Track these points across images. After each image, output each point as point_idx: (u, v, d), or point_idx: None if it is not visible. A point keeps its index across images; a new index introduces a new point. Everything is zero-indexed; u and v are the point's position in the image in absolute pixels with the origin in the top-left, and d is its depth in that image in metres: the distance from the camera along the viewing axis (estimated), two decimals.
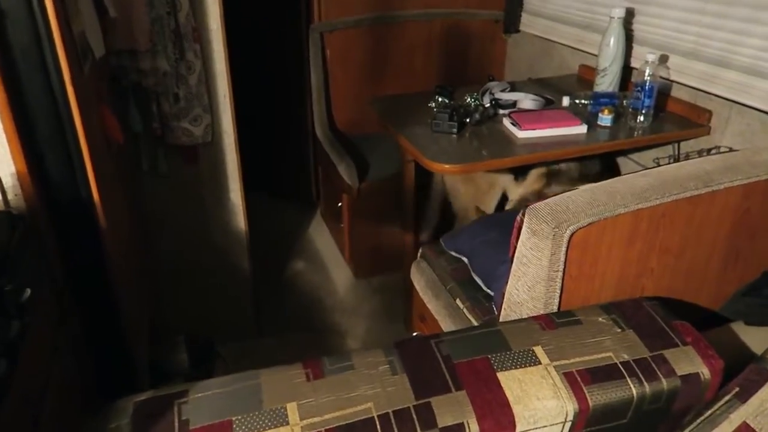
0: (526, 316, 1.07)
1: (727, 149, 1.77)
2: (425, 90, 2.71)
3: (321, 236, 2.89)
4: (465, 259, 1.59)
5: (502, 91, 2.01)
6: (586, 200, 1.03)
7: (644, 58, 1.78)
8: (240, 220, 2.03)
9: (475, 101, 2.01)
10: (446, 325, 1.52)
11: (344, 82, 2.67)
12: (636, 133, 1.81)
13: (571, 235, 1.01)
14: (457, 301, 1.52)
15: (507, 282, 1.17)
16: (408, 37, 2.70)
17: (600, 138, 1.78)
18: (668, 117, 1.90)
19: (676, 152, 1.92)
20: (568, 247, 1.02)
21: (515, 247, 1.14)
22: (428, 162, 1.62)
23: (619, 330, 0.96)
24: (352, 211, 2.45)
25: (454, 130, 1.79)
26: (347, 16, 2.58)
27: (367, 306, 2.42)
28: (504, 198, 2.06)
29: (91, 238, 1.22)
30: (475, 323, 1.43)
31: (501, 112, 1.92)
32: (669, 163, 1.85)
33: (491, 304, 1.45)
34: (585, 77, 2.31)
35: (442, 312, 1.53)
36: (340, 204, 2.47)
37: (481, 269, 1.50)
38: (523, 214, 1.09)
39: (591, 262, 1.08)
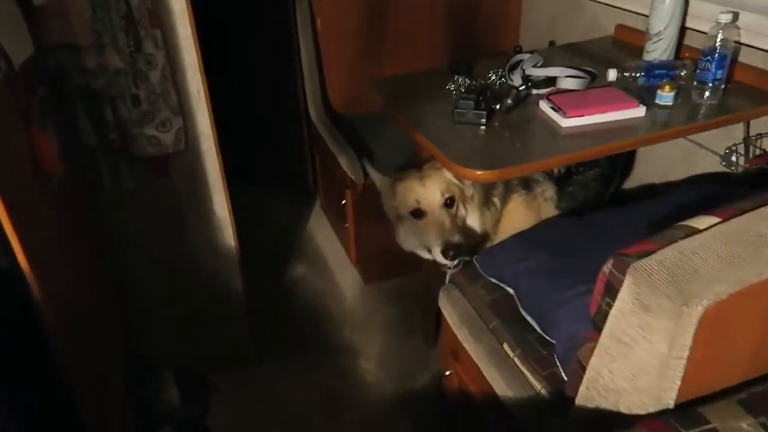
0: (626, 410, 0.78)
1: None
2: (433, 64, 2.38)
3: (322, 232, 2.57)
4: (510, 290, 1.28)
5: (535, 65, 1.66)
6: (722, 258, 0.72)
7: (712, 18, 1.43)
8: (228, 235, 1.71)
9: (500, 79, 1.67)
10: (491, 374, 1.23)
11: (339, 55, 2.31)
12: (702, 112, 1.48)
13: (704, 312, 0.70)
14: (505, 346, 1.22)
15: (589, 354, 0.87)
16: (409, 2, 2.32)
17: (662, 122, 1.45)
18: (736, 89, 1.56)
19: (747, 133, 1.58)
20: (697, 328, 0.71)
21: (600, 308, 0.84)
22: (457, 168, 1.29)
23: None
24: (357, 209, 2.13)
25: (483, 120, 1.45)
26: None
27: (380, 317, 2.13)
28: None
29: (20, 310, 0.91)
30: (532, 378, 1.14)
31: (535, 92, 1.58)
32: (749, 153, 1.53)
33: (550, 353, 1.15)
34: (624, 40, 1.95)
35: (485, 359, 1.23)
36: (344, 201, 2.14)
37: (534, 307, 1.20)
38: (616, 267, 0.78)
39: (722, 341, 0.78)
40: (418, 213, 1.61)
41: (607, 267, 0.82)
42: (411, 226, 1.65)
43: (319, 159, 2.52)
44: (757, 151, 1.54)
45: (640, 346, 0.74)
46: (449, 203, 1.60)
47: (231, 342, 1.91)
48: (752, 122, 1.58)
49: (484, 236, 1.65)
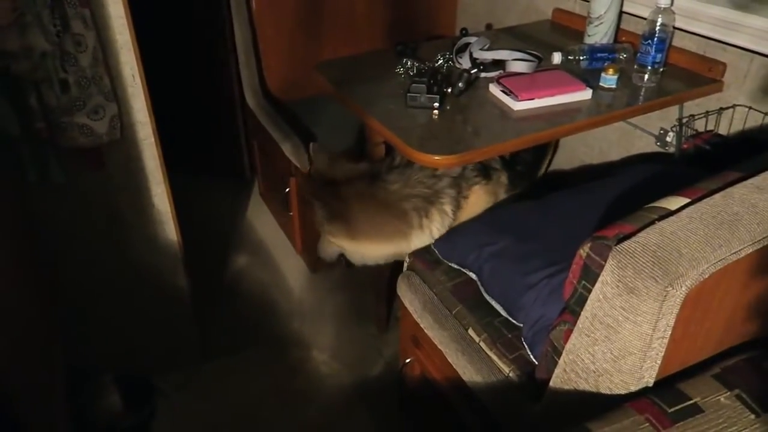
0: (606, 391, 0.79)
1: (746, 108, 1.53)
2: (372, 45, 2.35)
3: (263, 221, 2.49)
4: (473, 275, 1.28)
5: (482, 48, 1.65)
6: (702, 238, 0.73)
7: (648, 2, 1.48)
8: (169, 229, 1.61)
9: (448, 63, 1.65)
10: (457, 360, 1.22)
11: (276, 38, 2.22)
12: (643, 94, 1.53)
13: (687, 292, 0.72)
14: (470, 332, 1.21)
15: (564, 337, 0.87)
16: None
17: (607, 104, 1.49)
18: (672, 72, 1.62)
19: (681, 114, 1.66)
20: (680, 307, 0.73)
21: (576, 291, 0.84)
22: (416, 154, 1.27)
23: (753, 415, 0.69)
24: (302, 196, 2.06)
25: (436, 104, 1.43)
26: None
27: (330, 306, 2.09)
28: None
29: None
30: (500, 362, 1.14)
31: (484, 75, 1.58)
32: (684, 132, 1.60)
33: (516, 336, 1.15)
34: (562, 24, 1.99)
35: (451, 345, 1.23)
36: (287, 189, 2.07)
37: (499, 291, 1.20)
38: (594, 251, 0.78)
39: (700, 318, 0.80)
40: None
41: (584, 250, 0.82)
42: None
43: (257, 146, 2.43)
44: (690, 132, 1.61)
45: (625, 327, 0.75)
46: None
47: (176, 341, 1.81)
48: (685, 104, 1.65)
49: None
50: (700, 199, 0.81)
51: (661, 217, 0.78)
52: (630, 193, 1.27)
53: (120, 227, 1.54)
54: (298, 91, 2.23)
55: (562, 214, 1.31)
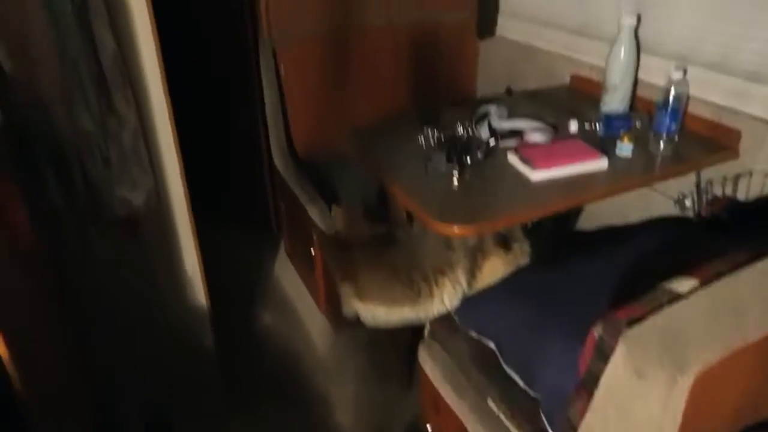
0: None
1: (764, 174, 1.55)
2: (396, 106, 2.44)
3: (288, 278, 2.54)
4: (491, 344, 1.30)
5: (500, 118, 1.71)
6: (708, 323, 0.76)
7: (662, 71, 1.53)
8: (198, 292, 1.68)
9: (468, 131, 1.71)
10: (477, 430, 1.23)
11: (303, 101, 2.32)
12: (659, 162, 1.57)
13: (695, 377, 0.74)
14: (490, 402, 1.23)
15: (580, 413, 0.89)
16: (372, 47, 2.37)
17: (623, 173, 1.52)
18: (688, 139, 1.65)
19: (699, 179, 1.68)
20: (689, 392, 0.75)
21: (590, 369, 0.86)
22: (436, 224, 1.31)
23: None
24: (325, 258, 2.12)
25: (455, 173, 1.48)
26: (301, 27, 2.22)
27: (353, 364, 2.12)
28: None
29: None
30: None
31: (503, 145, 1.63)
32: (701, 200, 1.62)
33: (535, 407, 1.16)
34: (580, 88, 2.05)
35: (470, 416, 1.24)
36: (312, 249, 2.13)
37: (517, 361, 1.22)
38: (607, 332, 0.81)
39: (710, 402, 0.81)
40: None
41: (597, 331, 0.85)
42: None
43: (284, 205, 2.51)
44: (708, 197, 1.63)
45: (636, 410, 0.77)
46: None
47: (200, 396, 1.85)
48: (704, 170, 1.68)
49: None
50: (710, 281, 0.83)
51: (671, 300, 0.81)
52: (649, 260, 1.29)
53: (151, 288, 1.61)
54: (323, 149, 2.31)
55: (584, 280, 1.33)
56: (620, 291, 0.87)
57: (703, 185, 1.64)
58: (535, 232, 1.70)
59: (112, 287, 1.54)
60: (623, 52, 1.67)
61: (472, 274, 1.54)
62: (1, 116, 1.06)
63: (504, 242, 1.60)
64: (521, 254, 1.62)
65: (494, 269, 1.55)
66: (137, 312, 1.60)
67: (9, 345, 0.84)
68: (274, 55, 2.22)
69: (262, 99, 2.29)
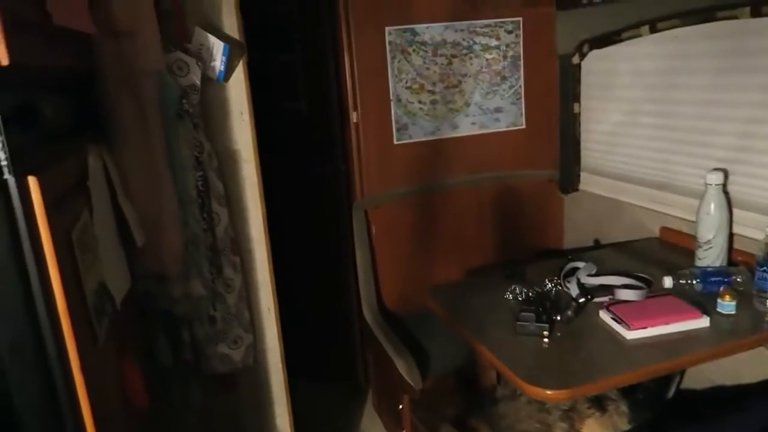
0: None
1: None
2: (481, 261, 2.49)
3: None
4: None
5: (590, 275, 1.70)
6: None
7: (759, 225, 1.49)
8: None
9: (556, 287, 1.71)
10: None
11: (392, 258, 2.43)
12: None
13: None
14: None
15: None
16: (457, 205, 2.50)
17: (728, 331, 1.44)
18: None
19: None
20: None
21: None
22: (526, 386, 1.28)
23: None
24: (415, 414, 2.07)
25: (546, 332, 1.46)
26: (390, 190, 2.40)
27: None
28: None
29: None
30: None
31: (594, 300, 1.61)
32: None
33: None
34: (670, 241, 2.02)
35: None
36: (401, 406, 2.10)
37: None
38: None
39: None
40: None
41: None
42: None
43: (372, 358, 2.52)
44: None
45: None
46: None
47: None
48: None
49: None
50: None
51: None
52: None
53: None
54: (412, 304, 2.35)
55: None
56: None
57: None
58: (631, 390, 1.60)
59: None
60: (713, 207, 1.66)
61: None
62: (130, 281, 1.21)
63: (598, 403, 1.52)
64: (617, 415, 1.52)
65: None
66: None
67: None
68: (366, 216, 2.38)
69: (354, 256, 2.41)
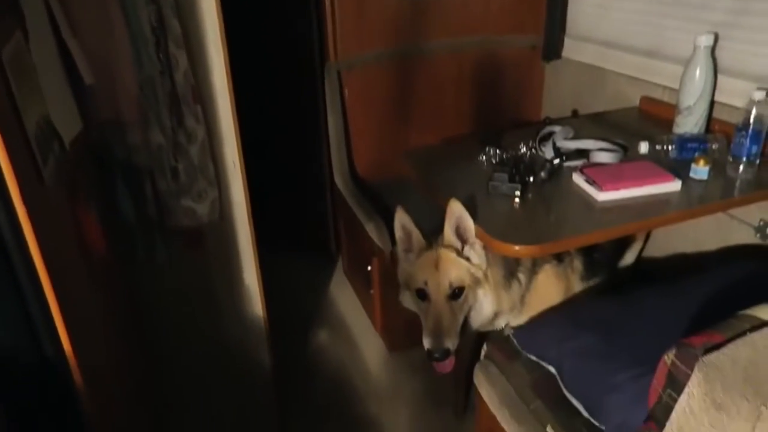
0: None
1: None
2: (458, 130, 2.43)
3: (344, 298, 2.54)
4: (552, 370, 1.24)
5: (566, 138, 1.67)
6: None
7: (740, 92, 1.45)
8: (256, 305, 1.69)
9: (531, 151, 1.68)
10: None
11: (366, 124, 2.35)
12: (738, 186, 1.47)
13: None
14: (549, 430, 1.17)
15: None
16: (435, 71, 2.38)
17: (698, 196, 1.44)
18: None
19: None
20: None
21: (661, 399, 0.80)
22: (496, 243, 1.28)
23: None
24: (383, 276, 2.11)
25: (517, 193, 1.44)
26: (366, 51, 2.26)
27: (407, 388, 2.08)
28: None
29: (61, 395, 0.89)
30: None
31: (567, 165, 1.58)
32: None
33: None
34: (650, 112, 1.98)
35: None
36: (369, 268, 2.13)
37: (580, 389, 1.16)
38: (680, 359, 0.75)
39: None
40: (422, 294, 1.46)
41: (669, 357, 0.79)
42: (414, 299, 1.51)
43: (343, 225, 2.53)
44: None
45: None
46: (456, 294, 1.42)
47: (255, 415, 1.85)
48: None
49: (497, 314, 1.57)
50: None
51: (754, 328, 0.75)
52: (724, 295, 1.20)
53: (211, 302, 1.64)
54: (384, 172, 2.31)
55: (652, 311, 1.26)
56: (694, 324, 0.80)
57: None
58: (588, 249, 1.63)
59: (172, 295, 1.58)
60: (699, 72, 1.60)
61: (529, 278, 1.50)
62: (81, 123, 1.12)
63: (557, 255, 1.55)
64: (571, 269, 1.56)
65: (547, 280, 1.51)
66: (193, 322, 1.63)
67: (79, 356, 0.87)
68: (339, 79, 2.26)
69: (326, 121, 2.33)
